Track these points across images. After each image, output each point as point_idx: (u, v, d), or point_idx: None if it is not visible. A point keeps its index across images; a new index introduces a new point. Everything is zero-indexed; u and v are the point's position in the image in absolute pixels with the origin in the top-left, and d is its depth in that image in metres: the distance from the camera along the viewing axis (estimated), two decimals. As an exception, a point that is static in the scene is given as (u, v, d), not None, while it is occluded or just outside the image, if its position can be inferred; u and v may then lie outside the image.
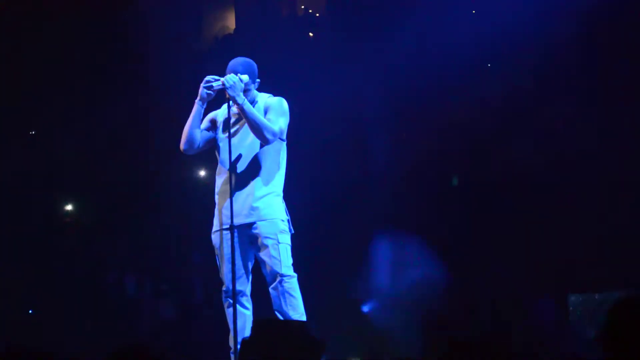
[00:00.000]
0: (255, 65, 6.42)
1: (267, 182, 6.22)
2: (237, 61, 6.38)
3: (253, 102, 6.34)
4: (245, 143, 6.31)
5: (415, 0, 11.99)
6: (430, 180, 11.83)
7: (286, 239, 6.21)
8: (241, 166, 6.25)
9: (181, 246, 12.51)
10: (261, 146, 6.25)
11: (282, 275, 6.13)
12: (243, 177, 6.23)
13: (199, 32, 14.51)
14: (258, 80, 6.40)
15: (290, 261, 6.17)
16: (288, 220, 6.27)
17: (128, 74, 12.42)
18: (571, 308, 9.31)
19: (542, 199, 11.03)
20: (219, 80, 6.27)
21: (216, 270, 6.59)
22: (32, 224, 12.25)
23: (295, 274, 6.18)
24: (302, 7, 14.89)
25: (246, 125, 6.19)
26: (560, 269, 10.58)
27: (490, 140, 11.57)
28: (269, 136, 6.11)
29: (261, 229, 6.20)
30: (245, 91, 6.26)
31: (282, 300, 6.09)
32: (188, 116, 6.49)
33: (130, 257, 12.39)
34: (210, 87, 6.30)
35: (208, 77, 6.33)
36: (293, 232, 6.31)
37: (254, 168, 6.26)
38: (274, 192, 6.22)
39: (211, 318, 10.84)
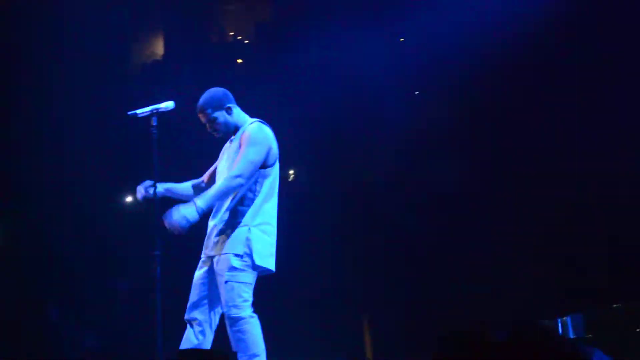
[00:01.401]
0: (219, 94, 6.11)
1: (235, 213, 5.93)
2: (202, 100, 6.15)
3: (236, 130, 6.12)
4: (224, 170, 6.10)
5: (336, 32, 12.09)
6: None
7: (236, 277, 5.78)
8: None
9: (106, 273, 12.38)
10: None
11: (227, 316, 5.83)
12: (217, 206, 6.02)
13: (127, 56, 14.42)
14: (230, 105, 6.07)
15: (240, 300, 5.78)
16: (247, 255, 5.85)
17: (50, 92, 12.26)
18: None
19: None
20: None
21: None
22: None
23: (244, 315, 5.77)
24: (231, 33, 14.90)
25: (229, 151, 6.06)
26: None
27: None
28: (236, 184, 5.80)
29: (217, 264, 5.91)
30: (225, 124, 6.08)
31: (232, 340, 5.81)
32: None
33: (53, 286, 12.21)
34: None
35: (145, 184, 6.18)
36: (256, 266, 5.87)
37: (232, 200, 5.95)
38: (240, 224, 5.88)
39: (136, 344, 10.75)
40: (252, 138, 5.95)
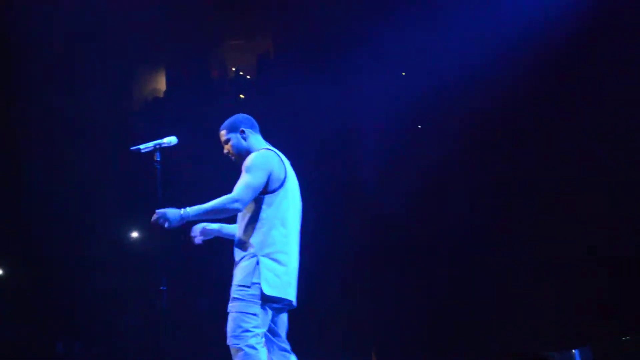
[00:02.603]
0: (238, 117, 6.08)
1: (242, 244, 5.88)
2: (224, 122, 6.20)
3: (248, 154, 6.12)
4: None
5: (347, 61, 12.15)
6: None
7: (236, 307, 5.74)
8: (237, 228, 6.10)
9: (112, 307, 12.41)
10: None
11: (228, 346, 5.71)
12: (235, 240, 6.07)
13: (129, 92, 14.50)
14: (244, 129, 6.02)
15: (239, 330, 5.68)
16: (255, 284, 5.75)
17: (54, 129, 12.35)
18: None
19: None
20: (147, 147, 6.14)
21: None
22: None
23: (242, 346, 5.65)
24: (233, 69, 14.98)
25: None
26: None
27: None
28: (233, 207, 5.72)
29: None
30: (237, 148, 6.08)
31: None
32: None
33: (61, 320, 12.25)
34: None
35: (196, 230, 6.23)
36: (265, 296, 5.71)
37: (239, 230, 5.91)
38: (247, 255, 5.82)
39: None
40: (251, 163, 5.86)
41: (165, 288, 5.95)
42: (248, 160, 5.89)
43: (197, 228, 6.19)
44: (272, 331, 5.92)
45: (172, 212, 5.68)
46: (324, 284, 11.77)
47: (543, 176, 11.43)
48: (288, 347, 5.95)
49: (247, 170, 5.84)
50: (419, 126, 12.91)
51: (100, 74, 12.88)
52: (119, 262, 12.29)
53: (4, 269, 13.16)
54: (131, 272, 12.05)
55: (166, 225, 5.71)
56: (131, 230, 12.75)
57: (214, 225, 6.23)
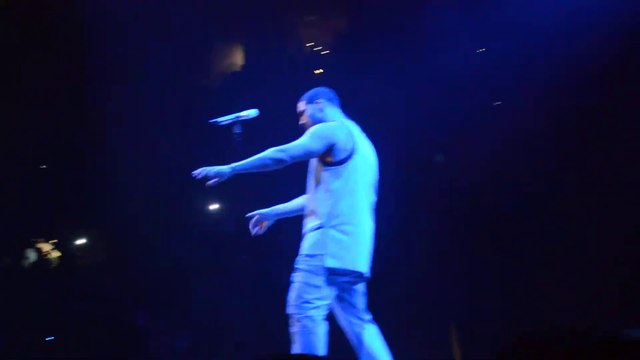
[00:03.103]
0: (317, 89, 6.22)
1: (312, 216, 5.90)
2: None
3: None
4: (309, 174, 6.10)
5: (422, 39, 12.08)
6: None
7: (299, 277, 5.77)
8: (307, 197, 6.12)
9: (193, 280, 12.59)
10: (312, 179, 5.98)
11: (288, 314, 5.81)
12: (305, 212, 6.08)
13: (207, 68, 14.63)
14: (321, 101, 6.15)
15: (299, 300, 5.71)
16: (319, 256, 5.76)
17: (137, 112, 12.53)
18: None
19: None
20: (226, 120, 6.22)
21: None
22: (41, 261, 12.33)
23: (301, 316, 5.67)
24: (311, 44, 15.00)
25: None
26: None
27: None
28: (276, 156, 5.78)
29: None
30: (312, 118, 6.11)
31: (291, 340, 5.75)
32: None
33: (141, 289, 12.44)
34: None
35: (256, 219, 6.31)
36: (328, 268, 5.72)
37: (308, 201, 6.00)
38: (314, 226, 5.84)
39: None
40: (314, 129, 5.93)
41: (246, 257, 6.06)
42: (313, 127, 5.94)
43: (251, 220, 6.25)
44: (348, 302, 5.97)
45: (221, 168, 5.80)
46: (404, 259, 11.79)
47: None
48: (367, 317, 5.98)
49: (307, 134, 5.90)
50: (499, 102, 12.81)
51: (179, 50, 13.02)
52: (199, 235, 12.43)
53: (83, 241, 13.42)
54: (211, 244, 12.20)
55: (210, 171, 5.79)
56: (210, 202, 12.89)
57: (267, 210, 6.30)
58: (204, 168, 5.83)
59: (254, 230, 6.30)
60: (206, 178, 5.84)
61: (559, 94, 11.58)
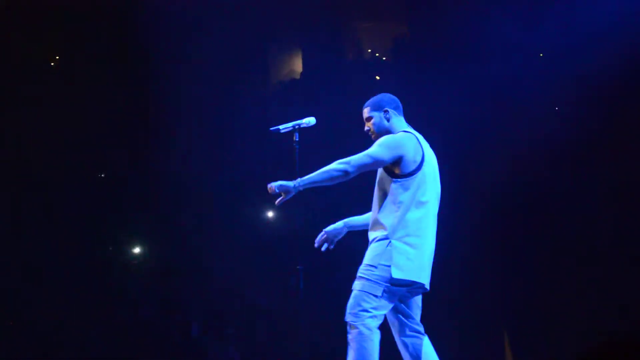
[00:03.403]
0: (384, 96, 6.08)
1: (376, 226, 5.86)
2: (369, 100, 6.22)
3: (388, 134, 6.10)
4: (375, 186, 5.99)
5: (482, 48, 11.99)
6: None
7: (360, 285, 5.72)
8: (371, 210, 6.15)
9: (246, 290, 12.58)
10: (379, 190, 5.89)
11: (345, 322, 5.73)
12: (370, 222, 6.11)
13: (265, 76, 14.66)
14: (388, 109, 6.01)
15: (358, 308, 5.67)
16: (383, 267, 5.73)
17: (197, 120, 12.60)
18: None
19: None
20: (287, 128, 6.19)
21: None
22: (100, 265, 12.44)
23: (359, 325, 5.63)
24: (369, 50, 14.96)
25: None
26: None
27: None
28: (340, 168, 5.69)
29: None
30: (378, 127, 6.10)
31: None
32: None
33: (196, 301, 12.48)
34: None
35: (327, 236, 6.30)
36: (394, 279, 5.69)
37: (374, 212, 5.91)
38: (380, 237, 5.80)
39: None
40: (383, 140, 5.82)
41: (301, 267, 6.00)
42: (382, 138, 5.87)
43: (320, 238, 6.20)
44: (404, 314, 5.92)
45: (286, 183, 5.72)
46: (453, 266, 11.69)
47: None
48: (421, 329, 5.93)
49: (376, 144, 5.81)
50: (556, 108, 12.67)
51: (237, 57, 13.07)
52: (256, 243, 12.43)
53: (141, 248, 13.49)
54: (267, 252, 12.20)
55: (277, 186, 5.75)
56: (268, 210, 12.89)
57: (338, 224, 6.24)
58: (273, 183, 5.82)
59: (323, 248, 6.25)
60: (277, 194, 5.83)
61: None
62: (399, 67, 13.69)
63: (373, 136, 6.03)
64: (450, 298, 11.45)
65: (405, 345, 5.86)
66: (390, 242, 5.78)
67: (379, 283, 5.72)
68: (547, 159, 12.12)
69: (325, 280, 9.70)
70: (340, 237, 6.26)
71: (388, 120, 6.01)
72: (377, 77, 14.13)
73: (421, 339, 5.87)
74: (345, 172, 5.74)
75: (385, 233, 5.78)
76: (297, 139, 6.15)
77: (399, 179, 5.82)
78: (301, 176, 5.83)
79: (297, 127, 6.20)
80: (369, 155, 5.77)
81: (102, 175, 13.38)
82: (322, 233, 6.20)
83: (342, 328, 5.72)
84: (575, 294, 11.43)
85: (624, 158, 11.65)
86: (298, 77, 14.82)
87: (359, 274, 5.75)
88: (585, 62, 11.29)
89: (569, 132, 11.83)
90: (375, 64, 14.62)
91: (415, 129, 6.04)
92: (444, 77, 12.02)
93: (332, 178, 5.77)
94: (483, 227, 12.27)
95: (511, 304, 11.80)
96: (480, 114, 12.05)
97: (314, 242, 6.23)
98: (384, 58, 14.78)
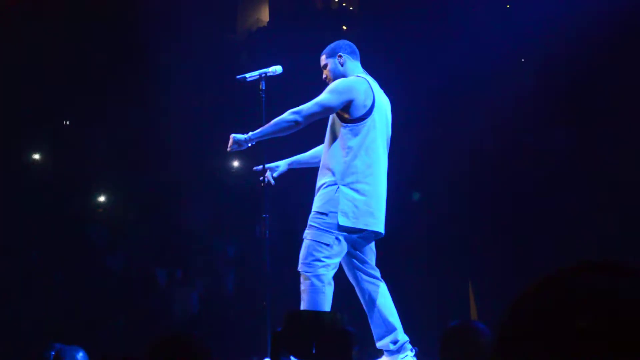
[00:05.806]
0: (338, 42, 6.01)
1: (325, 172, 5.80)
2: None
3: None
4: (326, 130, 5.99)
5: (450, 4, 11.93)
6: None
7: (311, 235, 5.69)
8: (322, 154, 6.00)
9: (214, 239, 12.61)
10: (330, 135, 5.85)
11: (299, 272, 5.70)
12: (319, 167, 5.95)
13: (233, 24, 14.57)
14: (342, 54, 5.94)
15: (310, 258, 5.63)
16: (332, 213, 5.67)
17: (162, 67, 12.49)
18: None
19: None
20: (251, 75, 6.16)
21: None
22: (64, 217, 12.39)
23: (311, 275, 5.60)
24: (337, 0, 14.90)
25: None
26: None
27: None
28: (290, 119, 5.70)
29: None
30: (333, 72, 5.90)
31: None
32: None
33: (162, 250, 12.48)
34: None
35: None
36: (340, 226, 5.63)
37: (323, 157, 5.88)
38: (328, 182, 5.73)
39: (242, 309, 10.92)
40: (333, 85, 5.80)
41: (267, 215, 6.01)
42: (332, 83, 5.85)
43: (263, 171, 6.17)
44: (358, 258, 5.91)
45: (239, 136, 5.78)
46: (416, 211, 11.74)
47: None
48: (377, 274, 5.93)
49: (325, 91, 5.80)
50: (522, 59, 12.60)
51: (204, 6, 12.96)
52: (220, 192, 12.43)
53: (106, 198, 13.47)
54: (232, 202, 12.21)
55: (235, 147, 5.80)
56: (233, 159, 12.88)
57: (279, 162, 6.24)
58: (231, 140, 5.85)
59: (267, 180, 6.19)
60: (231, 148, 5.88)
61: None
62: (366, 18, 13.63)
63: (328, 82, 6.00)
64: (413, 245, 11.48)
65: (362, 291, 5.88)
66: (338, 187, 5.73)
67: (329, 231, 5.68)
68: (517, 115, 12.06)
69: (291, 228, 9.77)
70: (277, 173, 6.21)
71: (342, 65, 5.98)
72: (344, 27, 14.09)
73: (377, 285, 5.87)
74: (296, 122, 5.75)
75: (333, 179, 5.74)
76: (263, 88, 6.16)
77: (348, 124, 5.77)
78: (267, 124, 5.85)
79: (263, 75, 6.19)
80: (317, 104, 5.74)
81: (67, 123, 13.31)
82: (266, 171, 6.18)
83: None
84: (542, 245, 11.45)
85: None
86: (265, 25, 14.75)
87: (309, 222, 5.75)
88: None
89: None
90: (343, 14, 14.56)
91: (378, 81, 6.02)
92: (410, 31, 11.97)
93: (282, 129, 5.78)
94: (453, 175, 12.22)
95: (477, 253, 11.81)
96: (447, 70, 12.01)
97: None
98: (350, 8, 14.72)
